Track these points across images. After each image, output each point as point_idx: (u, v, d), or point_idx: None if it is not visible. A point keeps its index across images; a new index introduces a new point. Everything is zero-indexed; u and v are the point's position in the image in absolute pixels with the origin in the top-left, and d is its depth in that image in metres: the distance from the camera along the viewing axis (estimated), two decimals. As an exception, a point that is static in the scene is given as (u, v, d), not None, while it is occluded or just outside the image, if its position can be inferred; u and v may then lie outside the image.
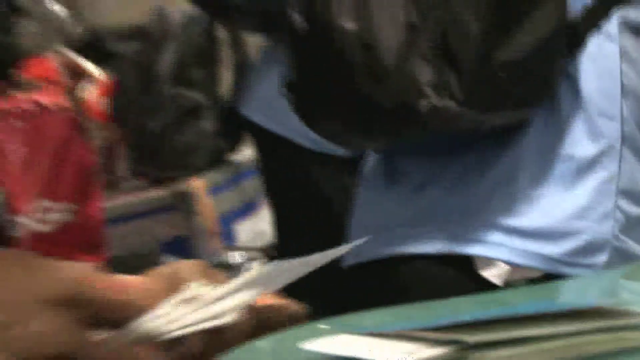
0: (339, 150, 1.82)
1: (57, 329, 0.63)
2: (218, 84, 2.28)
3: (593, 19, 1.51)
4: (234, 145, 2.10)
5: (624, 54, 1.50)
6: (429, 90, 1.46)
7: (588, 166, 1.45)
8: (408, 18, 1.47)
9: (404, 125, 1.49)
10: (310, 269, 0.72)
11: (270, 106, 2.00)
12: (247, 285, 0.67)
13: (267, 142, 2.08)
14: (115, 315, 0.65)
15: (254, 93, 2.11)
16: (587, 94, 1.50)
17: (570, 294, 0.93)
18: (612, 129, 1.49)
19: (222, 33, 2.22)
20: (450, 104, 1.44)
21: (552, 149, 1.45)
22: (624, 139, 1.50)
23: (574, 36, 1.49)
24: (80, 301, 0.64)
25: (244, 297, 0.66)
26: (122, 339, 0.65)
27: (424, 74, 1.48)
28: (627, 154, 1.49)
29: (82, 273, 0.66)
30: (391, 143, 1.55)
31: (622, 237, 1.39)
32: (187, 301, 0.67)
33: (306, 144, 1.98)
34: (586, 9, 1.49)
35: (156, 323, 0.66)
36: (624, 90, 1.50)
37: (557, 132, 1.50)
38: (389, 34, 1.47)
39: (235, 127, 2.16)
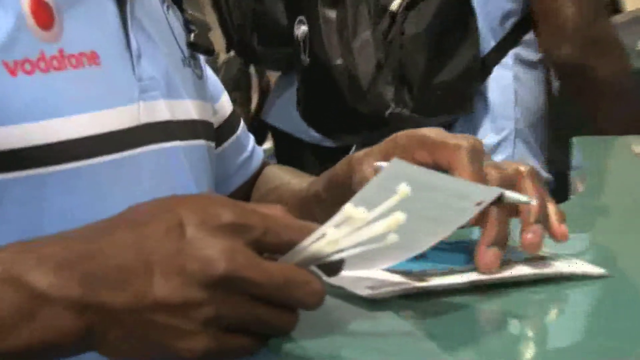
0: (327, 142, 1.96)
1: (227, 250, 0.57)
2: (250, 102, 2.39)
3: (496, 56, 1.74)
4: (260, 141, 1.93)
5: (516, 78, 1.74)
6: (391, 103, 1.67)
7: (492, 150, 1.68)
8: (376, 56, 1.68)
9: (375, 125, 1.69)
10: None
11: (284, 114, 2.11)
12: (397, 207, 0.59)
13: (280, 137, 2.16)
14: (278, 239, 0.60)
15: (273, 107, 2.19)
16: (492, 103, 1.74)
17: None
18: (508, 126, 1.73)
19: (252, 69, 2.41)
20: (405, 112, 1.67)
21: None
22: (517, 133, 1.74)
23: (484, 67, 1.73)
24: (246, 226, 0.59)
25: (396, 219, 0.58)
26: (287, 261, 0.60)
27: (388, 92, 1.67)
28: (519, 143, 1.72)
29: (245, 204, 0.61)
30: (367, 138, 1.65)
31: None
32: (342, 223, 0.59)
33: (305, 138, 2.06)
34: (492, 49, 1.73)
35: (317, 246, 0.59)
36: (517, 102, 1.74)
37: (473, 128, 1.73)
38: (365, 67, 1.69)
39: (261, 129, 2.22)
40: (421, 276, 0.71)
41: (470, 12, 1.70)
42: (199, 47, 0.95)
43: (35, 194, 0.75)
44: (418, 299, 0.70)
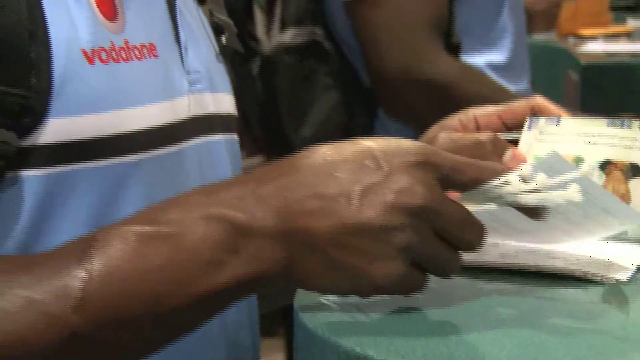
0: None
1: (425, 182, 0.62)
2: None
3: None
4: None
5: None
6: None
7: None
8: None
9: None
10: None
11: None
12: (577, 181, 0.62)
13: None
14: (465, 177, 0.64)
15: None
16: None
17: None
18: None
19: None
20: None
21: None
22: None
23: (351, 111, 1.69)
24: (435, 163, 0.63)
25: (573, 194, 0.62)
26: (472, 199, 0.65)
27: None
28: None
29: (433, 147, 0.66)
30: None
31: None
32: (525, 178, 0.63)
33: None
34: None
35: (501, 191, 0.64)
36: None
37: None
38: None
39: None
40: None
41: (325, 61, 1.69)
42: (229, 49, 0.98)
43: (103, 185, 0.76)
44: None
